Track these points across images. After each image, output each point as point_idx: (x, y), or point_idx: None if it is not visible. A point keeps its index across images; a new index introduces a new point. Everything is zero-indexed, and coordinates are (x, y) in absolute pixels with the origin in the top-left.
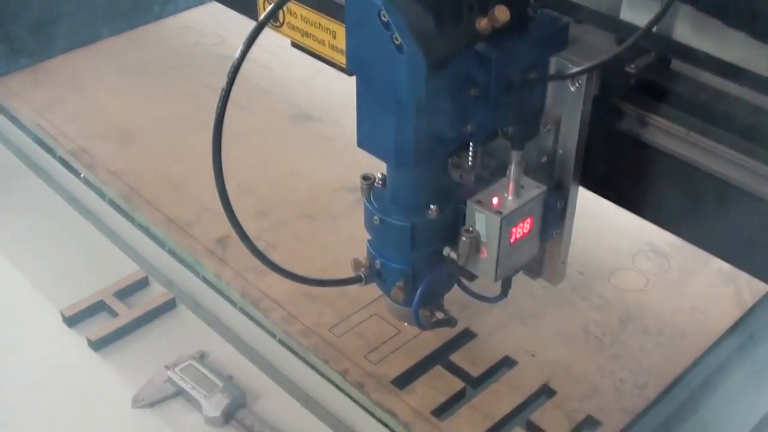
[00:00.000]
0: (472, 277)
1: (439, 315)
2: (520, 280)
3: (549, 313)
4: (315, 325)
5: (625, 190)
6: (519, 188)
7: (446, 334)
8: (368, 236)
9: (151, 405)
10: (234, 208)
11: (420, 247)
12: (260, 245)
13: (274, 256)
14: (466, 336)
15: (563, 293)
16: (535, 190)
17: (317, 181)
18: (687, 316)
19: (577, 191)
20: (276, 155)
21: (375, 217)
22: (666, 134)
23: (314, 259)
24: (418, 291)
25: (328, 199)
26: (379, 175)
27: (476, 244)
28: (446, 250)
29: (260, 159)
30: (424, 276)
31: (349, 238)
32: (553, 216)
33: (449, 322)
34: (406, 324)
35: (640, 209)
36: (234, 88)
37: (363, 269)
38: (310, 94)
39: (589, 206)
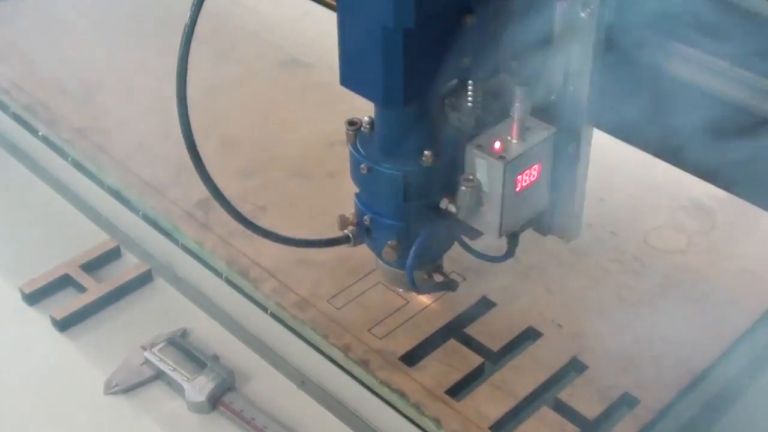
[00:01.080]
0: (473, 233)
1: (438, 278)
2: (541, 240)
3: (577, 278)
4: (312, 296)
5: (653, 134)
6: (524, 130)
7: (461, 303)
8: (356, 189)
9: (127, 390)
10: (216, 167)
11: (414, 199)
12: (247, 208)
13: (264, 221)
14: (484, 305)
15: (593, 256)
16: (542, 132)
17: (310, 134)
18: (735, 279)
19: (591, 134)
20: (263, 106)
21: (362, 166)
22: (705, 68)
23: (309, 222)
24: (413, 249)
25: (323, 154)
26: (367, 119)
27: (477, 194)
28: (444, 203)
29: (245, 111)
30: (419, 232)
31: (347, 199)
32: (565, 162)
33: (449, 285)
34: (400, 290)
35: (675, 158)
36: (216, 31)
37: (350, 227)
38: (301, 37)
39: (617, 155)
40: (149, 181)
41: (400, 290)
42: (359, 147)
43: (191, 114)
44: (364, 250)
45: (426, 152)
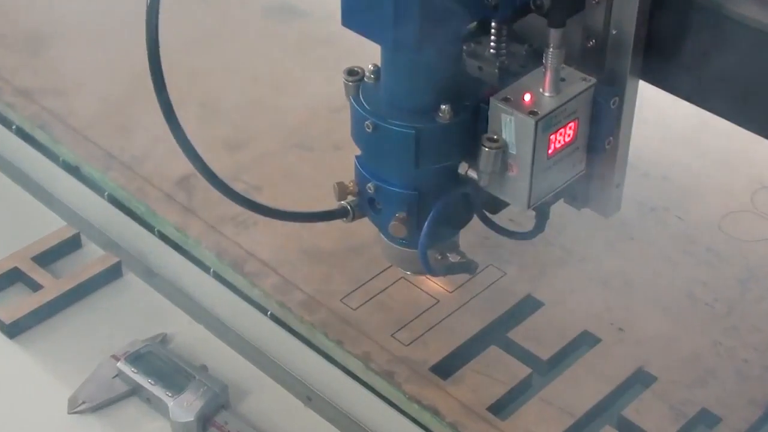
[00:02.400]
0: (495, 205)
1: (454, 258)
2: (593, 227)
3: (640, 272)
4: (321, 293)
5: (724, 92)
6: (559, 81)
7: (502, 303)
8: (357, 152)
9: (96, 409)
10: (197, 138)
11: (428, 162)
12: (239, 188)
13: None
14: (529, 305)
15: (657, 245)
16: (580, 83)
17: (311, 98)
18: None
19: (636, 86)
20: (252, 64)
21: (367, 123)
22: None
23: (311, 203)
24: (426, 224)
25: (327, 122)
26: (371, 67)
27: (503, 157)
28: (462, 167)
29: (231, 70)
30: (433, 203)
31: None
32: (605, 119)
33: (467, 266)
34: (408, 272)
35: (756, 124)
36: None
37: (350, 197)
38: None
39: (675, 118)
40: (116, 155)
41: (408, 272)
42: (362, 100)
43: (165, 73)
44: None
45: (443, 107)
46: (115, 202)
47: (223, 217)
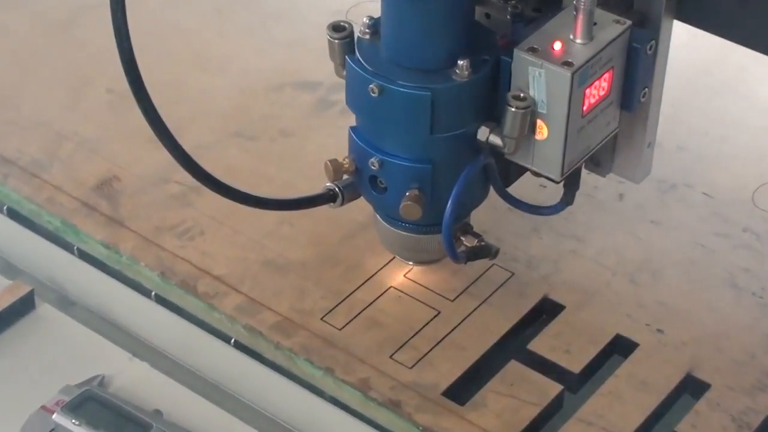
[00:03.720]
0: (508, 175)
1: (469, 241)
2: (601, 206)
3: (671, 261)
4: (297, 312)
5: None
6: (590, 25)
7: (516, 308)
8: (353, 122)
9: None
10: (112, 130)
11: (445, 128)
12: (173, 191)
13: (194, 208)
14: (548, 309)
15: (686, 228)
16: (614, 27)
17: (241, 77)
18: None
19: (671, 28)
20: (163, 38)
21: (371, 86)
22: None
23: (270, 212)
24: (450, 201)
25: (267, 104)
26: (366, 21)
27: (531, 118)
28: (483, 132)
29: (143, 44)
30: (449, 176)
31: (315, 167)
32: (642, 67)
33: (487, 250)
34: (411, 263)
35: None
36: None
37: (344, 177)
38: None
39: (690, 83)
40: (13, 159)
41: (410, 263)
42: (362, 60)
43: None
44: (366, 240)
45: (460, 62)
46: (17, 217)
47: (161, 226)
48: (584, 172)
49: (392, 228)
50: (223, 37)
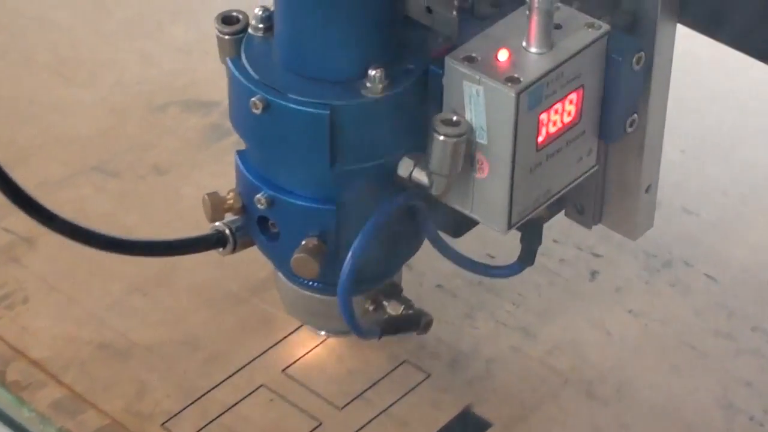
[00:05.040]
0: (457, 223)
1: (394, 308)
2: (575, 284)
3: (647, 365)
4: (132, 414)
5: None
6: (550, 29)
7: (424, 423)
8: (239, 147)
9: None
10: None
11: (350, 158)
12: (3, 241)
13: (21, 266)
14: (469, 426)
15: (675, 320)
16: (584, 32)
17: (115, 90)
18: None
19: (673, 35)
20: (45, 29)
21: (253, 100)
22: None
23: (121, 266)
24: (350, 254)
25: (142, 130)
26: (258, 13)
27: (466, 149)
28: (405, 166)
29: (8, 37)
30: (359, 222)
31: (194, 212)
32: (625, 86)
33: (415, 320)
34: (323, 333)
35: None
36: None
37: (228, 215)
38: None
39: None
40: None
41: (322, 333)
42: (246, 64)
43: None
44: (239, 319)
45: (372, 72)
46: None
47: None
48: (551, 233)
49: (293, 285)
50: (101, 37)
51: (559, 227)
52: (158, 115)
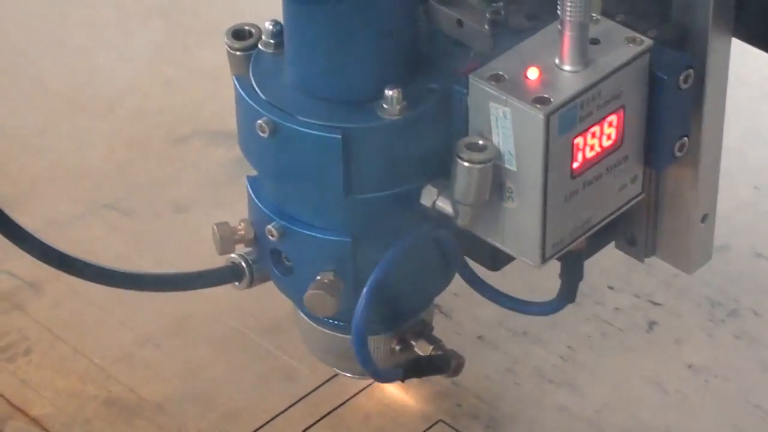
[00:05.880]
0: (494, 255)
1: (423, 348)
2: (630, 336)
3: (709, 427)
4: None
5: None
6: (586, 44)
7: None
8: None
9: None
10: None
11: (367, 186)
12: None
13: (24, 314)
14: None
15: (740, 376)
16: (624, 48)
17: (134, 116)
18: None
19: (728, 49)
20: (60, 51)
21: (260, 122)
22: None
23: (140, 312)
24: (365, 291)
25: (161, 163)
26: (269, 27)
27: (493, 175)
28: (428, 195)
29: (21, 59)
30: (378, 255)
31: (215, 261)
32: (673, 107)
33: (443, 363)
34: (347, 374)
35: None
36: None
37: (240, 247)
38: None
39: None
40: None
41: (347, 374)
42: (255, 84)
43: None
44: (260, 372)
45: (389, 92)
46: None
47: None
48: (607, 279)
49: (313, 324)
50: (122, 62)
51: (615, 272)
52: (180, 148)
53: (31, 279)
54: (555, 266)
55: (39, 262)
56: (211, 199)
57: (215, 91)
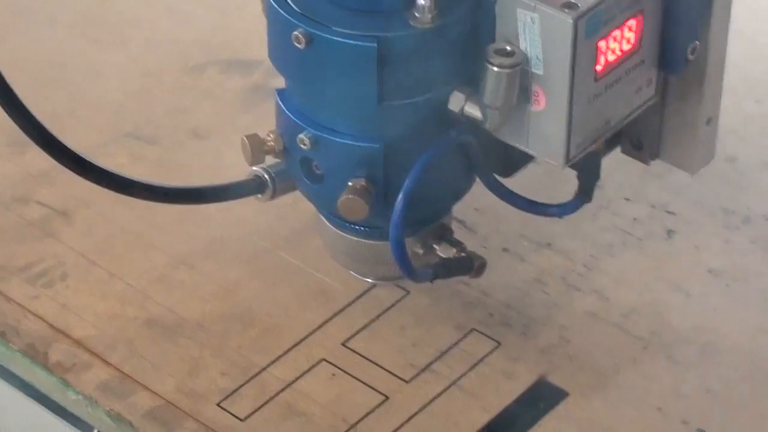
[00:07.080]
0: (509, 160)
1: (446, 250)
2: (650, 244)
3: (732, 331)
4: (184, 394)
5: None
6: None
7: (497, 395)
8: (279, 83)
9: None
10: None
11: (399, 94)
12: (33, 214)
13: (58, 241)
14: (546, 396)
15: (762, 279)
16: None
17: (165, 51)
18: None
19: None
20: None
21: (296, 33)
22: None
23: (159, 231)
24: (401, 194)
25: (178, 93)
26: None
27: (521, 80)
28: (456, 100)
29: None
30: (409, 160)
31: (237, 178)
32: (687, 12)
33: (469, 263)
34: (371, 279)
35: None
36: None
37: (269, 160)
38: None
39: None
40: None
41: (371, 279)
42: None
43: None
44: (294, 290)
45: (421, 1)
46: None
47: (6, 266)
48: (622, 191)
49: (339, 231)
50: None
51: (629, 184)
52: (195, 77)
53: (61, 207)
54: (556, 185)
55: (67, 192)
56: (229, 126)
57: (222, 22)
